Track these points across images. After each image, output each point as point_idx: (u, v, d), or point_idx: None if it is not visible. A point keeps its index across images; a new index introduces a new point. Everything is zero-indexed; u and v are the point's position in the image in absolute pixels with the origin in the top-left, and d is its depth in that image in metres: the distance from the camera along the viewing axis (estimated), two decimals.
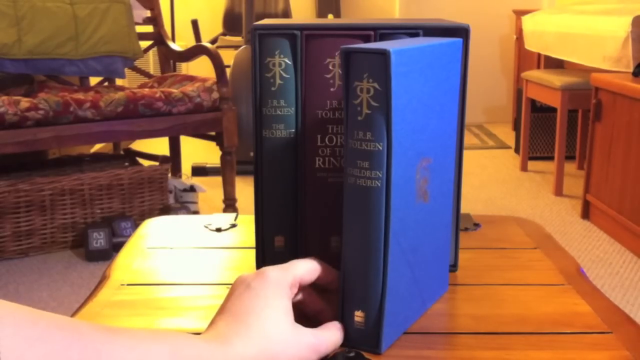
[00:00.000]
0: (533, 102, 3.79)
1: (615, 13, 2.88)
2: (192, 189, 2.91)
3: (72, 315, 0.61)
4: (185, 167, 3.50)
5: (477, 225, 0.85)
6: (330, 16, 4.88)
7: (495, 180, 3.62)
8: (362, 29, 0.63)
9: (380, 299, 0.54)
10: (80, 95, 2.50)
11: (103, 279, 0.71)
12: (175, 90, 2.66)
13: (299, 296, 0.55)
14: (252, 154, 0.68)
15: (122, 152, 3.31)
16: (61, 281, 2.33)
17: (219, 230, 0.84)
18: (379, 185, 0.52)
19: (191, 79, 2.88)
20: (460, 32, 0.64)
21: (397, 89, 0.51)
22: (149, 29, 3.18)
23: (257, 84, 0.64)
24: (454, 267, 0.70)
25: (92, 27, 2.75)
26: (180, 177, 3.20)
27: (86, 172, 2.61)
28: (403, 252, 0.56)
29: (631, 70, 2.64)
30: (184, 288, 0.68)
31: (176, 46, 3.18)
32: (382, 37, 0.64)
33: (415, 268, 0.58)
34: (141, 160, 3.06)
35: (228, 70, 3.09)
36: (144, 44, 3.06)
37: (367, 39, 0.63)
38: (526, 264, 0.73)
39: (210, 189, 3.23)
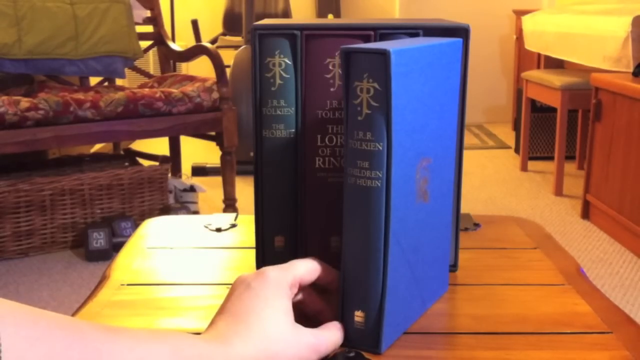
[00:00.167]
0: (533, 102, 3.79)
1: (615, 13, 2.88)
2: (192, 189, 2.91)
3: (72, 315, 0.61)
4: (185, 167, 3.50)
5: (477, 225, 0.85)
6: (330, 16, 4.88)
7: (495, 180, 3.62)
8: (362, 29, 0.63)
9: (380, 299, 0.54)
10: (80, 95, 2.50)
11: (103, 279, 0.71)
12: (175, 90, 2.67)
13: (299, 296, 0.55)
14: (252, 154, 0.68)
15: (122, 152, 3.31)
16: (61, 281, 2.33)
17: (219, 230, 0.84)
18: (379, 185, 0.52)
19: (191, 79, 2.88)
20: (460, 32, 0.64)
21: (397, 89, 0.51)
22: (149, 29, 3.18)
23: (257, 84, 0.64)
24: (454, 267, 0.70)
25: (92, 27, 2.75)
26: (180, 177, 3.20)
27: (86, 172, 2.61)
28: (403, 252, 0.56)
29: (631, 70, 2.64)
30: (184, 288, 0.68)
31: (176, 46, 3.18)
32: (382, 37, 0.64)
33: (415, 268, 0.58)
34: (141, 160, 3.07)
35: (228, 70, 3.09)
36: (144, 44, 3.06)
37: (367, 39, 0.63)
38: (526, 264, 0.73)
39: (210, 189, 3.23)
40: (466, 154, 4.12)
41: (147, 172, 2.70)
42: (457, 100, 0.63)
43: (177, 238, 0.82)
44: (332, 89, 0.64)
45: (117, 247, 2.45)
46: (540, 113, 3.88)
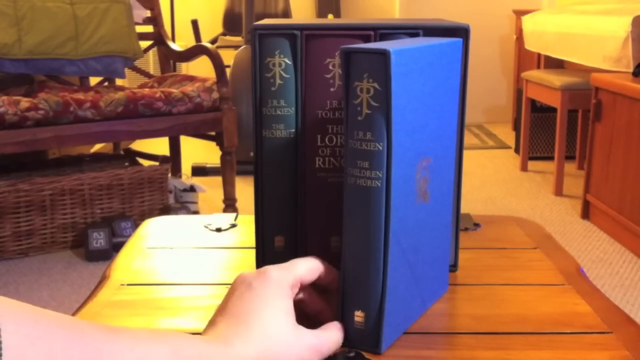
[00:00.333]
0: (533, 102, 3.79)
1: (615, 13, 2.88)
2: (192, 189, 2.91)
3: (72, 315, 0.61)
4: (185, 167, 3.50)
5: (477, 225, 0.85)
6: (330, 16, 4.88)
7: (495, 180, 3.62)
8: (362, 29, 0.63)
9: (380, 299, 0.54)
10: (80, 95, 2.50)
11: (103, 279, 0.71)
12: (175, 90, 2.67)
13: (300, 295, 0.55)
14: (252, 154, 0.68)
15: (122, 152, 3.31)
16: (61, 281, 2.33)
17: (219, 230, 0.84)
18: (379, 185, 0.52)
19: (191, 79, 2.88)
20: (460, 32, 0.64)
21: (397, 89, 0.51)
22: (149, 29, 3.18)
23: (257, 84, 0.64)
24: (454, 267, 0.70)
25: (92, 27, 2.75)
26: (180, 177, 3.20)
27: (86, 172, 2.61)
28: (403, 252, 0.56)
29: (631, 70, 2.64)
30: (184, 288, 0.68)
31: (176, 46, 3.18)
32: (382, 37, 0.64)
33: (415, 268, 0.58)
34: (141, 160, 3.07)
35: (228, 70, 3.09)
36: (144, 44, 3.06)
37: (367, 39, 0.63)
38: (526, 264, 0.73)
39: (210, 189, 3.23)
40: (466, 154, 4.12)
41: (147, 172, 2.70)
42: (457, 100, 0.63)
43: (177, 238, 0.82)
44: (332, 89, 0.64)
45: (117, 247, 2.45)
46: (540, 113, 3.88)
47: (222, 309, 0.50)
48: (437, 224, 0.62)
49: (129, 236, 0.99)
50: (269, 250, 0.68)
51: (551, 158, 3.75)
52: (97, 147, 3.84)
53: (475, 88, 5.08)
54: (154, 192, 2.72)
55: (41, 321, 0.40)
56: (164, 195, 2.75)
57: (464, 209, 0.85)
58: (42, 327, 0.40)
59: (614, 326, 0.59)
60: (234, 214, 0.89)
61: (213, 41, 4.38)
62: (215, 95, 2.70)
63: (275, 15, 4.48)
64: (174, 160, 3.23)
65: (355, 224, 0.54)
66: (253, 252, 0.69)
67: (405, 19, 0.71)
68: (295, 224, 0.67)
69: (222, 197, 2.87)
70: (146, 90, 2.62)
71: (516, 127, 4.08)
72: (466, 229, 0.84)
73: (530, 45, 3.83)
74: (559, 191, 3.34)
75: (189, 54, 3.06)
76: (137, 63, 3.08)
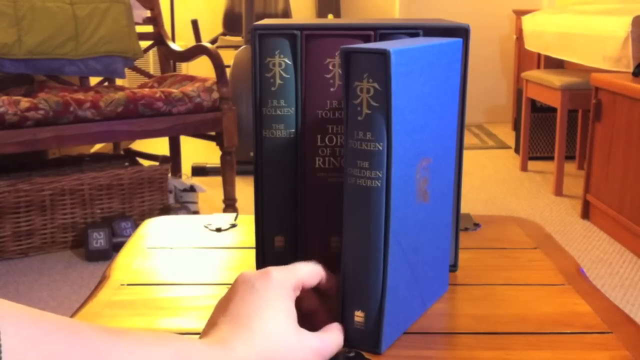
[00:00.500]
0: (533, 102, 3.79)
1: (615, 13, 2.88)
2: (192, 189, 2.91)
3: (72, 315, 0.61)
4: (185, 167, 3.50)
5: (477, 225, 0.85)
6: (330, 16, 4.88)
7: (495, 180, 3.62)
8: (362, 29, 0.63)
9: (380, 299, 0.54)
10: (80, 95, 2.50)
11: (103, 279, 0.71)
12: (175, 90, 2.67)
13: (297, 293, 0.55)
14: (252, 154, 0.68)
15: (122, 152, 3.31)
16: (61, 281, 2.33)
17: (219, 230, 0.84)
18: (379, 185, 0.52)
19: (191, 79, 2.88)
20: (460, 32, 0.64)
21: (397, 89, 0.51)
22: (149, 29, 3.18)
23: (257, 84, 0.64)
24: (454, 267, 0.70)
25: (92, 27, 2.75)
26: (180, 177, 3.20)
27: (86, 172, 2.61)
28: (403, 252, 0.56)
29: (631, 70, 2.64)
30: (184, 288, 0.68)
31: (176, 46, 3.18)
32: (382, 37, 0.64)
33: (415, 268, 0.58)
34: (141, 160, 3.07)
35: (228, 70, 3.09)
36: (144, 44, 3.06)
37: (367, 39, 0.63)
38: (526, 264, 0.73)
39: (210, 189, 3.23)
40: (466, 154, 4.12)
41: (147, 172, 2.70)
42: (457, 100, 0.63)
43: (177, 238, 0.82)
44: (332, 89, 0.64)
45: (117, 247, 2.45)
46: (540, 113, 3.88)
47: (223, 309, 0.50)
48: (437, 224, 0.62)
49: (129, 236, 0.99)
50: (269, 250, 0.68)
51: (551, 158, 3.75)
52: (97, 147, 3.84)
53: (475, 88, 5.08)
54: (154, 192, 2.72)
55: (41, 323, 0.40)
56: (164, 195, 2.75)
57: (464, 209, 0.85)
58: (42, 330, 0.40)
59: (614, 326, 0.59)
60: (234, 214, 0.89)
61: (213, 41, 4.38)
62: (215, 95, 2.70)
63: (275, 15, 4.48)
64: (174, 160, 3.23)
65: (355, 224, 0.54)
66: (253, 252, 0.69)
67: (405, 19, 0.71)
68: (295, 224, 0.67)
69: (222, 197, 2.87)
70: (146, 90, 2.62)
71: (516, 127, 4.08)
72: (466, 229, 0.84)
73: (530, 45, 3.83)
74: (559, 191, 3.34)
75: (189, 54, 3.06)
76: (137, 63, 3.08)
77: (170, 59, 3.22)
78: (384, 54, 0.50)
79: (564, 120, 3.27)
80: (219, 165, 2.89)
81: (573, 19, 3.26)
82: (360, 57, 0.52)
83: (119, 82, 3.19)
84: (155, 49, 3.26)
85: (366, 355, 0.53)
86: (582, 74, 3.33)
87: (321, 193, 0.66)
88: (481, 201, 3.25)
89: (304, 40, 0.63)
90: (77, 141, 2.47)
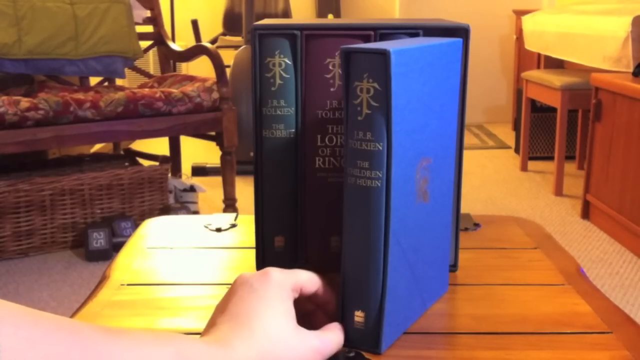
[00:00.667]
0: (533, 102, 3.79)
1: (615, 13, 2.88)
2: (192, 189, 2.91)
3: (72, 315, 0.61)
4: (185, 167, 3.50)
5: (477, 225, 0.85)
6: (330, 16, 4.88)
7: (495, 180, 3.62)
8: (362, 29, 0.63)
9: (380, 299, 0.54)
10: (80, 95, 2.50)
11: (103, 279, 0.71)
12: (175, 90, 2.67)
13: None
14: (252, 154, 0.68)
15: (122, 152, 3.31)
16: (61, 281, 2.33)
17: (219, 230, 0.84)
18: (379, 185, 0.52)
19: (191, 79, 2.88)
20: (460, 32, 0.64)
21: (397, 89, 0.51)
22: (149, 29, 3.18)
23: (257, 84, 0.64)
24: (454, 267, 0.70)
25: (92, 27, 2.75)
26: (180, 177, 3.20)
27: (86, 172, 2.61)
28: (403, 252, 0.56)
29: (631, 70, 2.64)
30: (184, 288, 0.68)
31: (176, 46, 3.18)
32: (382, 37, 0.64)
33: (415, 268, 0.58)
34: (141, 160, 3.07)
35: (228, 70, 3.09)
36: (144, 44, 3.06)
37: (367, 39, 0.63)
38: (526, 264, 0.73)
39: (210, 189, 3.23)
40: (466, 154, 4.12)
41: (147, 172, 2.70)
42: (457, 100, 0.63)
43: (177, 238, 0.82)
44: (332, 89, 0.64)
45: (117, 247, 2.45)
46: (540, 113, 3.88)
47: (222, 310, 0.50)
48: (437, 224, 0.62)
49: (129, 236, 0.99)
50: (269, 250, 0.68)
51: (551, 158, 3.75)
52: (97, 147, 3.84)
53: (475, 88, 5.08)
54: (154, 192, 2.72)
55: (40, 323, 0.40)
56: (164, 195, 2.75)
57: (464, 209, 0.85)
58: (41, 330, 0.40)
59: (614, 326, 0.59)
60: (234, 214, 0.89)
61: (213, 41, 4.38)
62: (215, 95, 2.70)
63: (275, 15, 4.48)
64: (174, 160, 3.23)
65: (355, 224, 0.53)
66: (253, 252, 0.69)
67: (405, 19, 0.71)
68: (295, 224, 0.67)
69: (222, 197, 2.87)
70: (146, 90, 2.62)
71: (516, 127, 4.08)
72: (466, 229, 0.84)
73: (530, 45, 3.83)
74: (559, 191, 3.34)
75: (189, 54, 3.06)
76: (137, 63, 3.08)
77: (170, 59, 3.22)
78: (384, 54, 0.50)
79: (564, 120, 3.27)
80: (219, 165, 2.89)
81: (573, 19, 3.26)
82: (360, 57, 0.52)
83: (119, 82, 3.19)
84: (155, 49, 3.26)
85: (366, 355, 0.53)
86: (582, 74, 3.33)
87: (321, 193, 0.66)
88: (481, 201, 3.25)
89: (304, 40, 0.63)
90: (77, 141, 2.47)
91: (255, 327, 0.48)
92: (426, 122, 0.57)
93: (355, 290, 0.54)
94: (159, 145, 3.67)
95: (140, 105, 2.54)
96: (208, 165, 3.69)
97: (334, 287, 0.56)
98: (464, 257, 0.74)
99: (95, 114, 2.45)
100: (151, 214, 2.69)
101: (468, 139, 4.60)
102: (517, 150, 4.05)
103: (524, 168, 3.80)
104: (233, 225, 0.86)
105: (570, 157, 3.76)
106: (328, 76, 0.64)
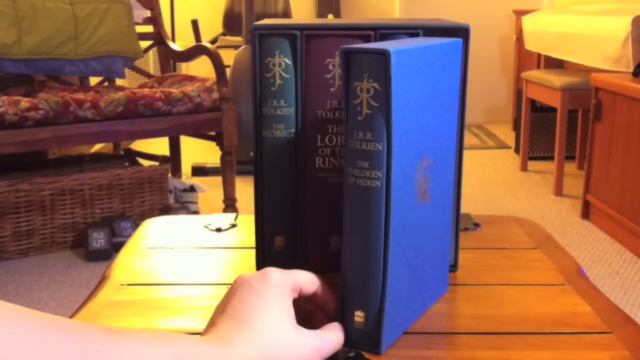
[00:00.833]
0: (533, 102, 3.79)
1: (615, 13, 2.88)
2: (192, 189, 2.91)
3: (72, 315, 0.61)
4: (185, 167, 3.50)
5: (477, 225, 0.85)
6: (330, 16, 4.88)
7: (495, 180, 3.62)
8: (362, 29, 0.63)
9: (380, 299, 0.54)
10: (80, 95, 2.50)
11: (103, 279, 0.71)
12: (175, 90, 2.67)
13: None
14: (252, 154, 0.68)
15: (122, 152, 3.31)
16: (61, 281, 2.33)
17: (219, 230, 0.84)
18: (379, 185, 0.52)
19: (191, 79, 2.88)
20: (460, 32, 0.64)
21: (397, 89, 0.51)
22: (149, 29, 3.18)
23: (257, 84, 0.64)
24: (454, 267, 0.70)
25: (92, 27, 2.75)
26: (180, 177, 3.20)
27: (86, 172, 2.61)
28: (403, 252, 0.56)
29: (631, 70, 2.64)
30: (184, 288, 0.68)
31: (176, 46, 3.18)
32: (382, 37, 0.64)
33: (415, 268, 0.58)
34: (141, 160, 3.07)
35: (228, 70, 3.09)
36: (144, 44, 3.06)
37: (367, 39, 0.63)
38: (526, 264, 0.73)
39: (210, 189, 3.23)
40: (466, 154, 4.12)
41: (147, 172, 2.70)
42: (457, 100, 0.63)
43: (177, 238, 0.82)
44: (332, 89, 0.64)
45: (117, 247, 2.45)
46: (540, 113, 3.88)
47: (222, 310, 0.50)
48: (437, 224, 0.62)
49: (129, 236, 0.99)
50: (269, 250, 0.68)
51: (551, 158, 3.75)
52: (97, 147, 3.84)
53: (475, 88, 5.08)
54: (154, 192, 2.72)
55: (38, 323, 0.40)
56: (164, 195, 2.75)
57: (464, 209, 0.85)
58: (39, 329, 0.40)
59: (614, 326, 0.59)
60: (234, 214, 0.89)
61: (213, 41, 4.38)
62: (215, 95, 2.70)
63: (275, 15, 4.48)
64: (174, 160, 3.23)
65: (355, 224, 0.53)
66: (253, 252, 0.69)
67: (405, 19, 0.71)
68: (295, 224, 0.67)
69: (222, 197, 2.87)
70: (146, 90, 2.62)
71: (516, 127, 4.08)
72: (466, 229, 0.84)
73: (530, 45, 3.83)
74: (559, 191, 3.34)
75: (189, 54, 3.06)
76: (137, 63, 3.08)
77: (170, 59, 3.22)
78: (384, 54, 0.50)
79: (564, 120, 3.27)
80: (219, 165, 2.89)
81: (573, 19, 3.26)
82: (360, 57, 0.52)
83: (119, 82, 3.19)
84: (155, 49, 3.26)
85: (366, 355, 0.53)
86: (582, 74, 3.33)
87: (321, 193, 0.66)
88: (481, 201, 3.25)
89: (304, 40, 0.63)
90: (77, 141, 2.47)
91: (255, 326, 0.48)
92: (426, 122, 0.57)
93: (355, 290, 0.54)
94: (159, 145, 3.67)
95: (140, 105, 2.54)
96: (208, 165, 3.69)
97: (334, 288, 0.56)
98: (464, 257, 0.74)
99: (95, 114, 2.45)
100: (151, 214, 2.69)
101: (468, 139, 4.60)
102: (517, 150, 4.05)
103: (524, 168, 3.80)
104: (233, 225, 0.86)
105: (570, 157, 3.77)
106: (328, 76, 0.64)
